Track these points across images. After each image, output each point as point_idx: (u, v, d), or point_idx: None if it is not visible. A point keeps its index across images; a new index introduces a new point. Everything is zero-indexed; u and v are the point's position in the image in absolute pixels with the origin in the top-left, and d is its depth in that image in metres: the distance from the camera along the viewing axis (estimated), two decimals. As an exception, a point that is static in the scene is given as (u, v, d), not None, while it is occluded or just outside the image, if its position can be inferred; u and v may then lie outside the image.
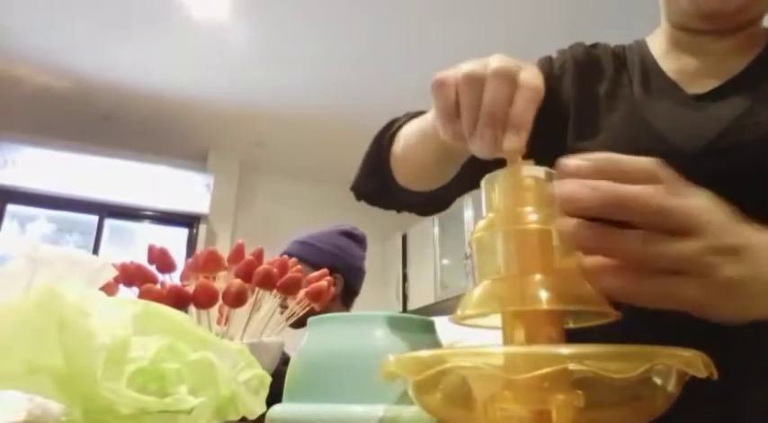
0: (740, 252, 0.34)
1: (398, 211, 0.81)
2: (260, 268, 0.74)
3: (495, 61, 0.42)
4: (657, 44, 0.75)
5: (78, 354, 0.32)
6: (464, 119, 0.43)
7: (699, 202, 0.35)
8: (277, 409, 0.45)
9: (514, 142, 0.38)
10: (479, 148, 0.41)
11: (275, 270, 0.75)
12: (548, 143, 0.69)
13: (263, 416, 0.44)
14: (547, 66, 0.76)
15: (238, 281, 0.71)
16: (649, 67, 0.72)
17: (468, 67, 0.43)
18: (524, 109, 0.40)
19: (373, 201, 0.81)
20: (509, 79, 0.41)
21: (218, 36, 3.18)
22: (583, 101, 0.72)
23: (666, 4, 0.71)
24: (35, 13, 3.00)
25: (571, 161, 0.34)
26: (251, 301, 0.74)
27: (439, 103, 0.45)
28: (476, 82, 0.42)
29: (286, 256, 1.57)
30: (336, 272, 1.61)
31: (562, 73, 0.75)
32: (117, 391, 0.33)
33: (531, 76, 0.42)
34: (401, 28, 3.05)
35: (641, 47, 0.76)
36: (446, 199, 0.74)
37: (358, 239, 1.82)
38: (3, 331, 0.33)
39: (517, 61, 0.43)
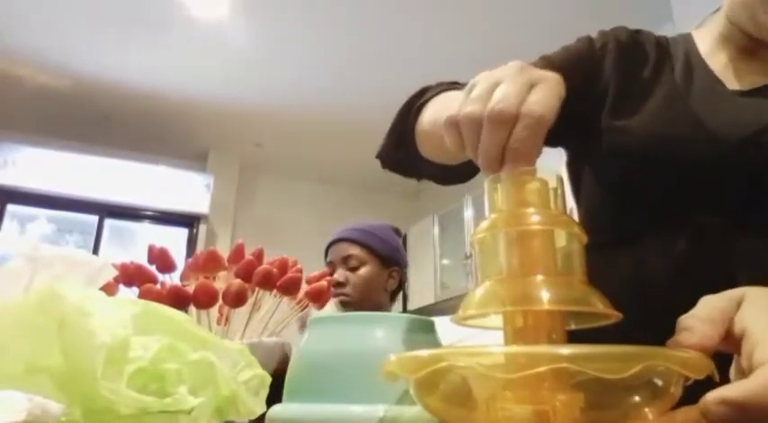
0: None
1: (418, 179, 0.81)
2: (260, 268, 0.74)
3: (499, 94, 0.41)
4: (704, 40, 0.74)
5: (78, 353, 0.32)
6: (472, 156, 0.43)
7: None
8: (277, 409, 0.45)
9: (515, 171, 0.38)
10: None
11: (275, 270, 0.75)
12: (582, 123, 0.68)
13: (263, 416, 0.44)
14: (586, 46, 0.75)
15: (238, 281, 0.71)
16: (694, 61, 0.72)
17: (467, 106, 0.42)
18: (522, 141, 0.39)
19: (397, 169, 0.81)
20: (504, 122, 0.40)
21: (218, 36, 3.18)
22: (623, 82, 0.71)
23: (741, 11, 0.68)
24: (35, 14, 3.00)
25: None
26: (251, 301, 0.74)
27: (449, 142, 0.45)
28: (474, 124, 0.42)
29: (347, 242, 1.58)
30: (396, 266, 1.61)
31: (603, 54, 0.74)
32: (117, 391, 0.33)
33: (538, 101, 0.41)
34: (402, 28, 3.06)
35: (687, 40, 0.76)
36: (469, 171, 0.71)
37: (403, 239, 1.84)
38: (3, 331, 0.33)
39: (532, 75, 0.43)
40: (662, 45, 0.75)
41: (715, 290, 0.41)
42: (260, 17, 3.04)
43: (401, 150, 0.75)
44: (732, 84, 0.68)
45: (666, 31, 0.82)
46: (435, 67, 3.29)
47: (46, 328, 0.33)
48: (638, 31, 0.77)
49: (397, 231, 1.72)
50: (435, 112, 0.67)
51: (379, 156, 0.79)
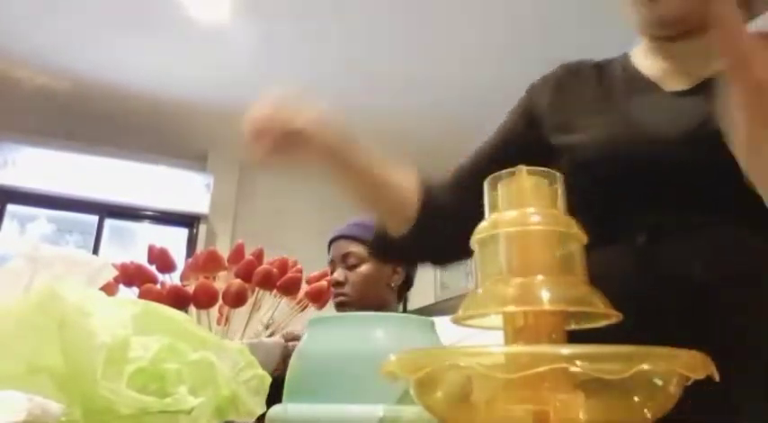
0: None
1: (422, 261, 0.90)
2: (260, 268, 0.74)
3: None
4: (639, 54, 0.80)
5: (78, 354, 0.32)
6: None
7: None
8: (277, 409, 0.45)
9: None
10: None
11: (275, 270, 0.75)
12: (537, 158, 0.74)
13: (263, 416, 0.44)
14: (526, 98, 0.84)
15: (238, 281, 0.71)
16: (631, 73, 0.77)
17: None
18: None
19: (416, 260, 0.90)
20: None
21: (218, 37, 3.18)
22: (560, 104, 0.77)
23: (632, 21, 0.76)
24: (35, 14, 3.00)
25: None
26: (251, 301, 0.75)
27: None
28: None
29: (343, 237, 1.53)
30: None
31: (541, 93, 0.82)
32: (117, 390, 0.33)
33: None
34: (401, 29, 3.05)
35: (624, 58, 0.81)
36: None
37: None
38: (3, 331, 0.33)
39: None
40: (601, 66, 0.82)
41: (675, 281, 0.44)
42: (260, 18, 3.04)
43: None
44: (668, 86, 0.72)
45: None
46: (434, 67, 3.29)
47: (46, 328, 0.33)
48: (578, 61, 0.84)
49: None
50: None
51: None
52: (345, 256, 1.50)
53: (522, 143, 0.79)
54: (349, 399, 0.41)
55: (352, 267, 1.48)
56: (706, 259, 0.60)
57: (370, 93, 3.60)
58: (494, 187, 0.37)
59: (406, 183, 0.79)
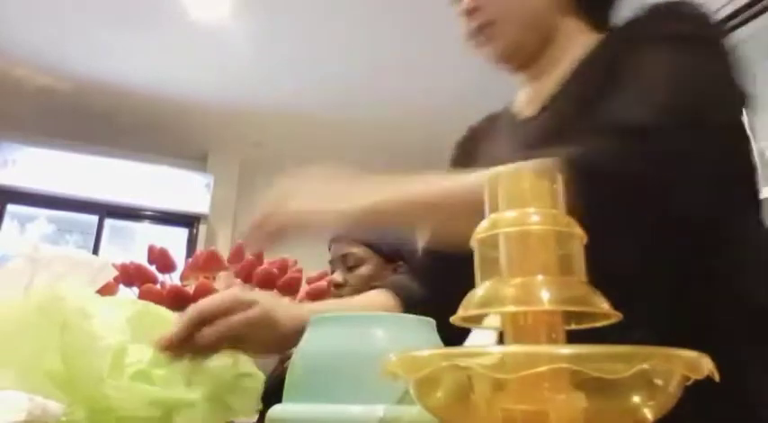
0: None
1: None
2: (260, 268, 0.74)
3: None
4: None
5: (81, 355, 0.32)
6: None
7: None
8: (277, 409, 0.45)
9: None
10: None
11: (275, 270, 0.75)
12: None
13: (263, 416, 0.44)
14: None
15: (239, 281, 0.71)
16: (509, 111, 0.85)
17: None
18: None
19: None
20: None
21: (218, 36, 3.18)
22: (464, 165, 0.82)
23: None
24: (35, 14, 3.00)
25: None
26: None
27: None
28: None
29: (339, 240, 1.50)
30: (401, 260, 1.50)
31: (452, 161, 0.92)
32: (122, 387, 0.33)
33: None
34: (400, 29, 3.05)
35: (513, 100, 0.87)
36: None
37: None
38: (5, 332, 0.33)
39: None
40: (492, 117, 0.89)
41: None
42: (260, 18, 3.04)
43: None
44: (524, 113, 0.80)
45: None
46: (433, 67, 3.30)
47: (48, 330, 0.33)
48: (478, 121, 0.93)
49: None
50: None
51: None
52: (344, 257, 1.47)
53: None
54: (349, 399, 0.41)
55: (351, 268, 1.46)
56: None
57: (371, 92, 3.60)
58: (494, 187, 0.37)
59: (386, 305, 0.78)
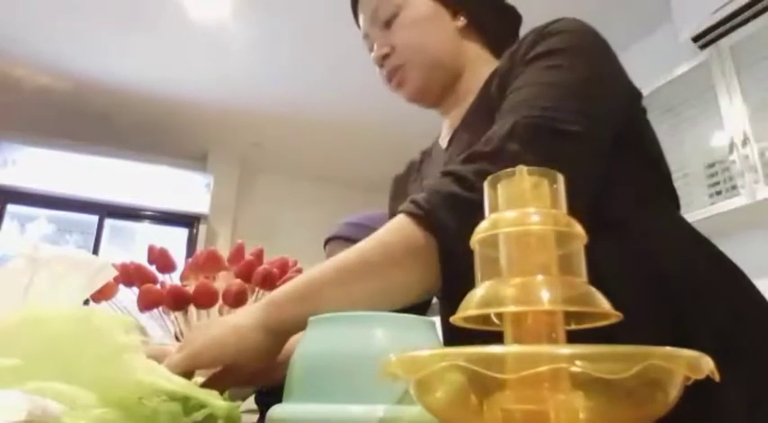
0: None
1: None
2: (260, 268, 0.74)
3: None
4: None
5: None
6: None
7: None
8: (277, 409, 0.45)
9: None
10: None
11: (275, 270, 0.75)
12: None
13: (263, 416, 0.44)
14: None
15: (239, 281, 0.71)
16: (438, 143, 0.88)
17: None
18: None
19: None
20: None
21: (218, 36, 3.18)
22: (397, 202, 0.83)
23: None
24: (35, 14, 3.00)
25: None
26: (251, 300, 0.74)
27: None
28: None
29: (338, 240, 1.46)
30: None
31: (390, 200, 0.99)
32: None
33: None
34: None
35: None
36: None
37: None
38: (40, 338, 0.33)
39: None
40: (426, 151, 0.93)
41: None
42: (260, 17, 3.04)
43: None
44: (444, 143, 0.83)
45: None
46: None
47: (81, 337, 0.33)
48: (416, 156, 0.96)
49: None
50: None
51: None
52: None
53: None
54: (349, 399, 0.41)
55: None
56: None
57: (371, 92, 3.60)
58: (493, 187, 0.37)
59: None
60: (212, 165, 4.48)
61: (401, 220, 0.58)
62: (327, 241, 1.52)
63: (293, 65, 3.40)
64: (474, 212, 0.37)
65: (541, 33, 0.69)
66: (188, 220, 4.21)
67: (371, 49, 0.87)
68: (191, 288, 0.71)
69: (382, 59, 0.85)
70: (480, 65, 0.82)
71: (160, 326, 0.74)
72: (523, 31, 0.79)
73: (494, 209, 0.37)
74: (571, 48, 0.66)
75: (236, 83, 3.62)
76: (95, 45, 3.27)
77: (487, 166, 0.56)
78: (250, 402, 1.02)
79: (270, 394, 0.72)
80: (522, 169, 0.37)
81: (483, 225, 0.36)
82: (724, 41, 2.55)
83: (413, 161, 0.96)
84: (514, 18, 0.88)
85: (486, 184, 0.38)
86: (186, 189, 4.19)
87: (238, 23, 3.09)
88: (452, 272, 0.55)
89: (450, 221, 0.54)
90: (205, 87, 3.66)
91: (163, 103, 3.82)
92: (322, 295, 0.56)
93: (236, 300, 0.71)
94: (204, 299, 0.70)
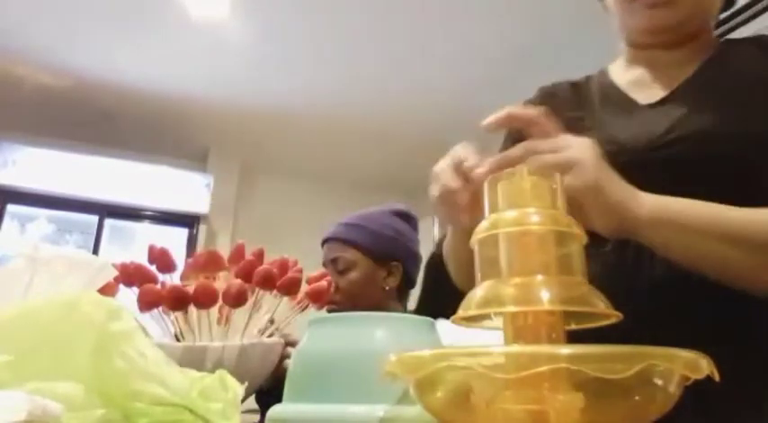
0: (604, 166, 0.53)
1: None
2: (260, 268, 0.74)
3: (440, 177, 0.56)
4: (617, 69, 0.84)
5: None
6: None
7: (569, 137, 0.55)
8: (277, 409, 0.45)
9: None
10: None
11: (275, 270, 0.75)
12: None
13: (263, 416, 0.44)
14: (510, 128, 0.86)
15: (239, 281, 0.71)
16: (608, 89, 0.81)
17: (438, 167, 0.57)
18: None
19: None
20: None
21: (218, 36, 3.18)
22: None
23: (621, 26, 0.80)
24: (35, 13, 3.00)
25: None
26: (251, 301, 0.74)
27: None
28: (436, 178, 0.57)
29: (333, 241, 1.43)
30: (395, 259, 1.42)
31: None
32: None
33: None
34: (400, 29, 3.05)
35: (602, 74, 0.85)
36: None
37: (413, 222, 1.57)
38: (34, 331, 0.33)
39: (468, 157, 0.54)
40: (578, 85, 0.85)
41: (639, 290, 0.51)
42: (260, 17, 3.04)
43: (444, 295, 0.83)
44: (642, 97, 0.76)
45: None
46: (433, 68, 3.29)
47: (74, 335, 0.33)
48: (554, 84, 0.88)
49: (402, 215, 1.52)
50: (447, 248, 0.78)
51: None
52: (334, 261, 1.40)
53: None
54: (349, 399, 0.41)
55: (341, 273, 1.39)
56: (668, 270, 0.62)
57: (371, 92, 3.60)
58: (493, 187, 0.37)
59: None
60: (212, 165, 4.48)
61: None
62: (323, 243, 1.49)
63: (293, 65, 3.40)
64: None
65: None
66: (188, 220, 4.21)
67: None
68: (191, 288, 0.70)
69: None
70: (708, 35, 0.79)
71: (160, 326, 0.74)
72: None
73: (494, 209, 0.37)
74: None
75: (237, 83, 3.62)
76: (95, 45, 3.27)
77: None
78: (250, 402, 1.02)
79: (270, 394, 0.72)
80: (521, 168, 0.37)
81: (483, 225, 0.36)
82: (724, 41, 2.54)
83: (553, 91, 0.87)
84: None
85: (485, 185, 0.38)
86: (186, 189, 4.19)
87: (238, 23, 3.08)
88: None
89: None
90: (205, 87, 3.66)
91: (163, 103, 3.82)
92: (682, 235, 0.57)
93: (237, 300, 0.71)
94: (204, 299, 0.70)
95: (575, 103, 0.82)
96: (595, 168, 0.52)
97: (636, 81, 0.79)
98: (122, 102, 3.79)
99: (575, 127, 0.75)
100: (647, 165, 0.65)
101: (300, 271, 0.78)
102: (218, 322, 0.73)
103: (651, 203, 0.55)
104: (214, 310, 0.73)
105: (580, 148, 0.52)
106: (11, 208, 3.79)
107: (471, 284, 0.71)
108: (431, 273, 0.77)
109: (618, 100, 0.79)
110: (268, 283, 0.74)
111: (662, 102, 0.74)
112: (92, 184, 3.91)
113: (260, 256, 0.77)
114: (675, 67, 0.76)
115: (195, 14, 3.01)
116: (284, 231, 4.44)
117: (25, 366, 0.32)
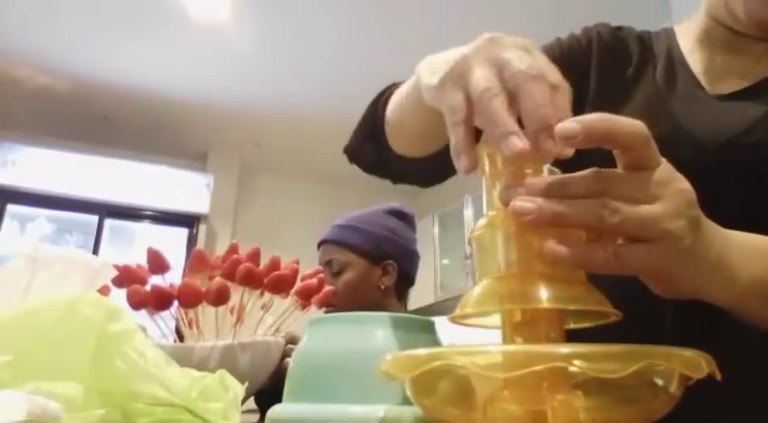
0: (700, 225, 0.37)
1: (394, 181, 0.78)
2: (241, 266, 0.73)
3: (520, 62, 0.37)
4: (686, 37, 0.73)
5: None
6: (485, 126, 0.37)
7: (668, 172, 0.37)
8: (277, 409, 0.45)
9: (558, 149, 0.35)
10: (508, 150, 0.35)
11: (258, 268, 0.75)
12: None
13: (263, 416, 0.44)
14: (575, 43, 0.74)
15: (220, 279, 0.71)
16: (676, 61, 0.71)
17: (479, 75, 0.38)
18: (565, 111, 0.38)
19: (368, 167, 0.77)
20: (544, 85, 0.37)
21: (218, 36, 3.18)
22: (606, 83, 0.70)
23: (718, 3, 0.68)
24: (35, 14, 3.00)
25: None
26: (262, 301, 0.75)
27: (448, 105, 0.41)
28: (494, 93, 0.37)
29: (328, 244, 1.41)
30: (390, 258, 1.42)
31: (588, 51, 0.73)
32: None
33: (560, 76, 0.40)
34: (401, 30, 3.05)
35: (669, 36, 0.74)
36: (444, 167, 0.63)
37: (408, 219, 1.55)
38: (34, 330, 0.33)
39: (527, 49, 0.40)
40: (644, 42, 0.74)
41: (639, 288, 0.45)
42: (260, 18, 3.04)
43: (370, 144, 0.73)
44: (713, 86, 0.67)
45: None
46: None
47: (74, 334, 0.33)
48: (619, 28, 0.76)
49: (396, 213, 1.51)
50: (400, 99, 0.65)
51: (347, 150, 0.78)
52: (328, 264, 1.40)
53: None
54: (349, 399, 0.41)
55: (336, 274, 1.38)
56: None
57: (371, 92, 3.59)
58: (492, 185, 0.37)
59: None
60: (212, 165, 4.48)
61: None
62: (318, 246, 1.49)
63: (293, 65, 3.40)
64: None
65: None
66: (188, 220, 4.21)
67: None
68: (175, 288, 0.71)
69: None
70: None
71: (159, 326, 0.74)
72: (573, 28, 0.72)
73: (492, 206, 0.36)
74: None
75: (236, 83, 3.62)
76: (96, 45, 3.27)
77: None
78: (250, 402, 1.02)
79: (270, 394, 0.72)
80: (521, 168, 0.37)
81: (481, 222, 0.36)
82: (724, 41, 2.54)
83: (640, 37, 0.75)
84: None
85: (484, 182, 0.38)
86: (186, 189, 4.19)
87: (239, 23, 3.08)
88: None
89: None
90: (205, 87, 3.66)
91: (163, 103, 3.82)
92: None
93: (217, 298, 0.70)
94: (188, 298, 0.70)
95: (639, 63, 0.71)
96: (686, 247, 0.35)
97: (708, 64, 0.69)
98: (122, 102, 3.79)
99: (633, 90, 0.67)
100: (721, 165, 0.59)
101: (295, 270, 0.78)
102: (234, 323, 0.74)
103: (746, 279, 0.42)
104: (225, 311, 0.73)
105: (677, 208, 0.35)
106: (11, 208, 3.79)
107: (408, 149, 0.64)
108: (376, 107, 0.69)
109: (685, 81, 0.68)
110: (250, 280, 0.73)
111: (735, 95, 0.65)
112: (92, 184, 3.91)
113: (255, 255, 0.77)
114: (758, 59, 0.67)
115: (195, 16, 3.01)
116: (284, 231, 4.44)
117: (25, 366, 0.32)
